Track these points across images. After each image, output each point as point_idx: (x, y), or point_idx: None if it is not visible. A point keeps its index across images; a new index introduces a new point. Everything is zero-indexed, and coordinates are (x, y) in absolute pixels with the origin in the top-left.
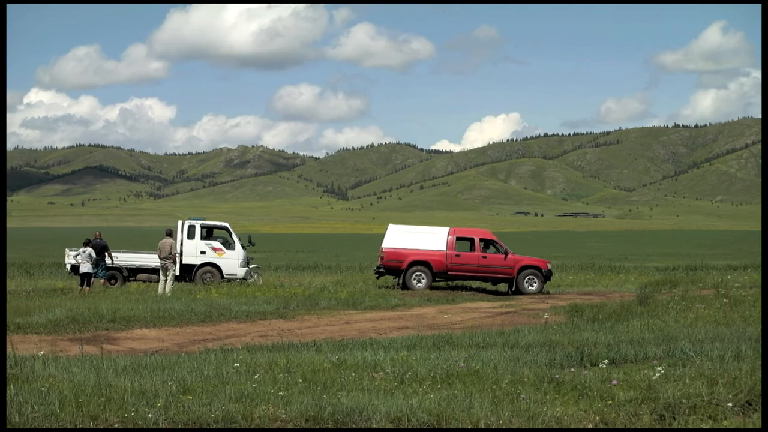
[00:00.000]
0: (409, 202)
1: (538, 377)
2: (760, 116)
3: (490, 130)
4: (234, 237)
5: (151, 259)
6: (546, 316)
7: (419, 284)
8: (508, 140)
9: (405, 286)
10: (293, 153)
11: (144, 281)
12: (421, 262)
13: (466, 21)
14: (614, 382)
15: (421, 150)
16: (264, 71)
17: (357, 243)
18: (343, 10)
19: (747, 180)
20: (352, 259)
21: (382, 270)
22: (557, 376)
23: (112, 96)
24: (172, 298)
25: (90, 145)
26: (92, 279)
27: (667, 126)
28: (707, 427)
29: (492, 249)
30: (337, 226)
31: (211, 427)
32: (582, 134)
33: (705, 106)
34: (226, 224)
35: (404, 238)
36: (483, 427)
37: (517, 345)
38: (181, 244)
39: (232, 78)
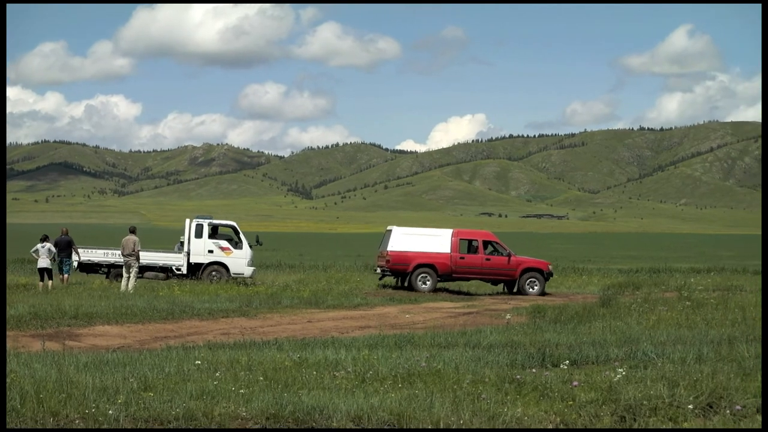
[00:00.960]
0: (374, 201)
1: (499, 377)
2: (728, 120)
3: (455, 130)
4: (241, 236)
5: (160, 257)
6: (508, 317)
7: (424, 286)
8: (473, 141)
9: (411, 288)
10: (258, 151)
11: (151, 279)
12: (427, 265)
13: (433, 21)
14: (575, 383)
15: (386, 150)
16: (230, 69)
17: (321, 242)
18: (310, 9)
19: (711, 184)
20: (315, 258)
21: (387, 272)
22: (518, 376)
23: (78, 93)
24: (135, 295)
25: (55, 142)
26: (66, 275)
27: (633, 129)
28: (700, 427)
29: (490, 249)
30: (301, 224)
31: (172, 425)
32: (547, 136)
33: (670, 110)
34: (234, 223)
35: (408, 240)
36: (443, 426)
37: (478, 345)
38: (189, 242)
39: (198, 76)
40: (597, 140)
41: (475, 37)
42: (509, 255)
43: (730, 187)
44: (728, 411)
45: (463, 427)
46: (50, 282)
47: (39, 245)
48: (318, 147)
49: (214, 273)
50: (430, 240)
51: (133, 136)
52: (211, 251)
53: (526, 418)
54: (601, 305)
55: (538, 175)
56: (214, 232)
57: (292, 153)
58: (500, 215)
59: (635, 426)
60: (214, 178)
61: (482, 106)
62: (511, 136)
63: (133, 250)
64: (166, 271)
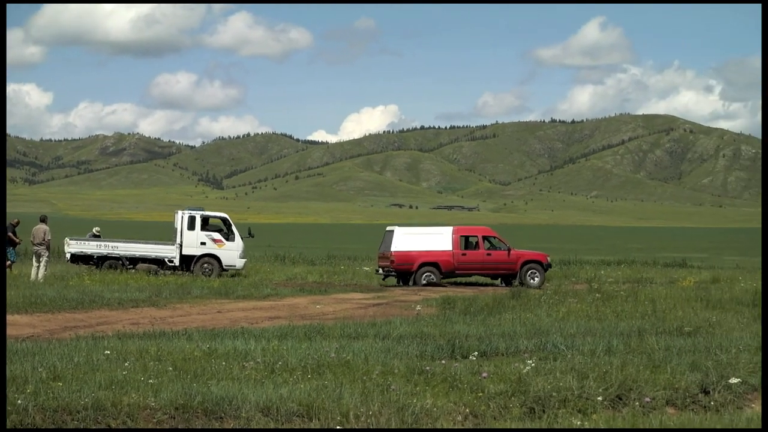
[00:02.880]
0: (284, 192)
1: (408, 369)
2: (640, 113)
3: (368, 121)
4: (233, 228)
5: (152, 249)
6: (418, 308)
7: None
8: (384, 132)
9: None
10: (169, 141)
11: (145, 271)
12: (430, 263)
13: (345, 12)
14: (485, 374)
15: (297, 140)
16: (141, 58)
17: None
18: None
19: (622, 176)
20: None
21: (391, 272)
22: (428, 367)
23: None
24: (45, 284)
25: None
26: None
27: (544, 121)
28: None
29: (489, 245)
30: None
31: (81, 414)
32: (458, 127)
33: (582, 102)
34: (226, 215)
35: (410, 240)
36: (352, 417)
37: (388, 336)
38: (181, 234)
39: (109, 65)
40: (508, 132)
41: (386, 28)
42: (509, 249)
43: (640, 179)
44: (637, 403)
45: (372, 418)
46: None
47: None
48: (229, 137)
49: (206, 265)
50: (431, 238)
51: (44, 125)
52: (203, 243)
53: (435, 409)
54: (511, 297)
55: (449, 167)
56: (205, 224)
57: (203, 143)
58: (411, 206)
59: (544, 418)
60: (125, 168)
61: (394, 97)
62: (422, 128)
63: (44, 239)
64: (159, 263)
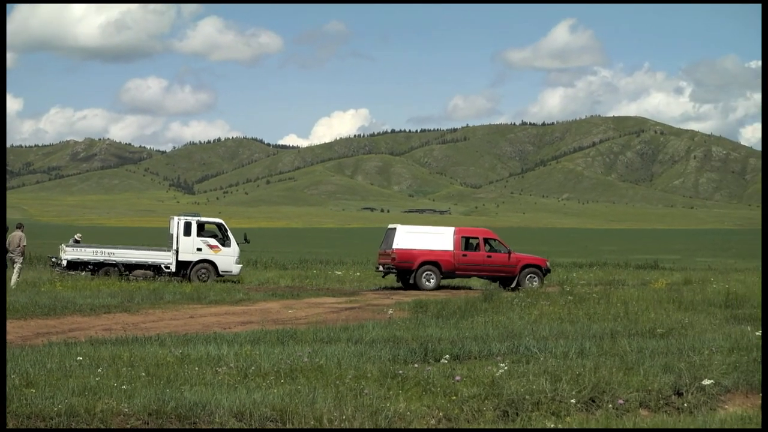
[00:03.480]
0: (255, 197)
1: (381, 373)
2: (610, 115)
3: (339, 125)
4: (229, 233)
5: (149, 256)
6: (390, 312)
7: (428, 283)
8: (355, 136)
9: (415, 286)
10: (140, 146)
11: (140, 278)
12: (431, 262)
13: (315, 16)
14: (458, 377)
15: (268, 145)
16: (111, 64)
17: None
18: (191, 4)
19: (593, 178)
20: None
21: (392, 270)
22: (401, 371)
23: None
24: (17, 290)
25: None
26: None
27: (515, 123)
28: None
29: (489, 247)
30: None
31: (54, 421)
32: (429, 131)
33: (552, 104)
34: (222, 221)
35: (413, 238)
36: (326, 421)
37: (361, 341)
38: (177, 240)
39: (79, 70)
40: (479, 135)
41: (357, 32)
42: (509, 252)
43: (611, 181)
44: (611, 405)
45: (345, 422)
46: None
47: None
48: (200, 142)
49: (202, 271)
50: (433, 238)
51: (15, 131)
52: (199, 249)
53: (408, 413)
54: (483, 300)
55: (420, 170)
56: (201, 230)
57: (174, 148)
58: (382, 210)
59: (518, 420)
60: (95, 173)
61: (365, 100)
62: (393, 131)
63: (18, 246)
64: (155, 269)
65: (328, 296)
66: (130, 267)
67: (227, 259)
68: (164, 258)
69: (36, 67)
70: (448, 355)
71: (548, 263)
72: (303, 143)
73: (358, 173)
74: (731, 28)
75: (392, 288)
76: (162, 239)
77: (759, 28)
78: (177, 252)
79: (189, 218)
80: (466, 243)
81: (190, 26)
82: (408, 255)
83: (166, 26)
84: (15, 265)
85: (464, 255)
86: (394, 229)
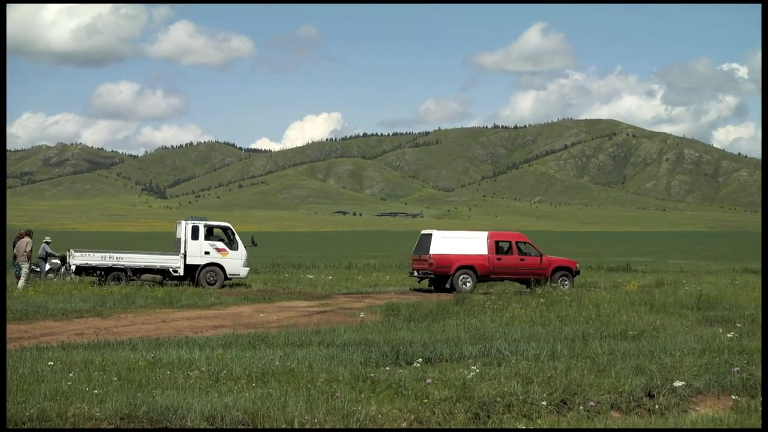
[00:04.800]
0: (228, 201)
1: (353, 376)
2: (582, 118)
3: (311, 129)
4: (236, 237)
5: (157, 260)
6: (362, 315)
7: (465, 287)
8: (327, 140)
9: (452, 290)
10: (112, 151)
11: (149, 282)
12: (467, 267)
13: (287, 20)
14: (429, 380)
15: (240, 149)
16: (83, 68)
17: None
18: (163, 9)
19: (566, 181)
20: None
21: (430, 274)
22: (372, 374)
23: None
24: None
25: None
26: None
27: (487, 127)
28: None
29: (521, 250)
30: (156, 224)
31: (26, 425)
32: (401, 134)
33: (524, 108)
34: (228, 224)
35: (448, 243)
36: (297, 425)
37: (332, 344)
38: (185, 244)
39: (51, 75)
40: (451, 138)
41: (328, 35)
42: (541, 255)
43: (584, 184)
44: (582, 407)
45: (317, 426)
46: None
47: None
48: (172, 146)
49: (210, 274)
50: (468, 242)
51: None
52: (207, 252)
53: (380, 416)
54: (455, 303)
55: (393, 174)
56: (209, 234)
57: (146, 152)
58: (355, 214)
59: (489, 423)
60: (68, 178)
61: (337, 104)
62: (365, 135)
63: (25, 251)
64: (163, 273)
65: (300, 300)
66: (139, 271)
67: (235, 262)
68: (172, 262)
69: (8, 72)
70: (419, 358)
71: (578, 265)
72: (275, 147)
73: (331, 177)
74: (703, 31)
75: (362, 292)
76: (135, 243)
77: (731, 30)
78: (185, 256)
79: (197, 222)
80: (499, 247)
81: (161, 30)
82: (445, 260)
83: (137, 30)
84: (21, 271)
85: (498, 259)
86: (430, 234)
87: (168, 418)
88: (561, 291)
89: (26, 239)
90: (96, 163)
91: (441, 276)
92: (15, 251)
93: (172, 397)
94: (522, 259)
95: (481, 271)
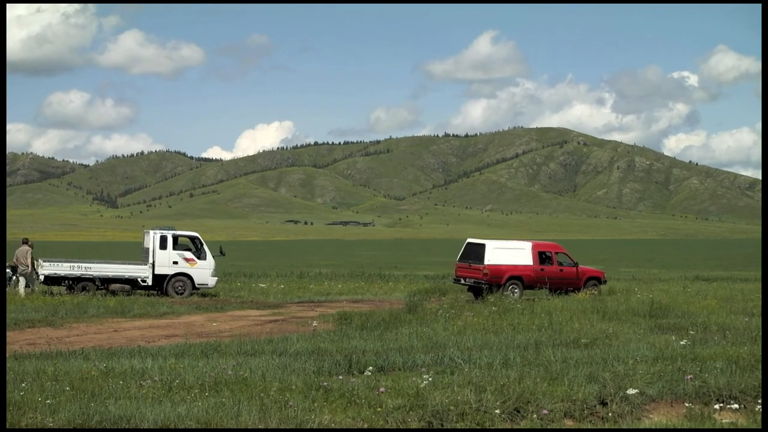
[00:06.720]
0: (179, 210)
1: (306, 385)
2: (533, 126)
3: (263, 137)
4: (205, 246)
5: (125, 270)
6: (315, 324)
7: (513, 296)
8: (278, 149)
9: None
10: (63, 160)
11: (117, 291)
12: (516, 277)
13: (237, 28)
14: (382, 389)
15: (192, 158)
16: (33, 77)
17: (126, 251)
18: (112, 17)
19: (517, 189)
20: None
21: (482, 284)
22: (325, 383)
23: None
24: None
25: None
26: None
27: (438, 135)
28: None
29: (558, 261)
30: (107, 233)
31: None
32: (352, 143)
33: (475, 116)
34: (197, 234)
35: (499, 254)
36: None
37: (285, 353)
38: (153, 253)
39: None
40: (402, 147)
41: (279, 43)
42: (576, 265)
43: (535, 192)
44: (535, 415)
45: None
46: None
47: None
48: (123, 155)
49: (179, 284)
50: (515, 253)
51: None
52: (175, 262)
53: (333, 424)
54: (407, 311)
55: (344, 182)
56: (176, 243)
57: (97, 162)
58: (306, 222)
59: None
60: (18, 188)
61: (288, 113)
62: (316, 143)
63: (25, 259)
64: (132, 282)
65: (252, 309)
66: (107, 281)
67: (203, 272)
68: (141, 272)
69: None
70: (372, 367)
71: (605, 275)
72: (227, 156)
73: (282, 186)
74: (652, 39)
75: (315, 301)
76: (86, 253)
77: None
78: (153, 265)
79: (165, 231)
80: (542, 257)
81: (110, 39)
82: (498, 270)
83: (87, 40)
84: (21, 278)
85: (542, 269)
86: (481, 244)
87: (121, 427)
88: (512, 299)
89: (25, 247)
90: (47, 172)
91: (493, 286)
92: (15, 260)
93: (125, 406)
94: (561, 270)
95: (527, 281)
